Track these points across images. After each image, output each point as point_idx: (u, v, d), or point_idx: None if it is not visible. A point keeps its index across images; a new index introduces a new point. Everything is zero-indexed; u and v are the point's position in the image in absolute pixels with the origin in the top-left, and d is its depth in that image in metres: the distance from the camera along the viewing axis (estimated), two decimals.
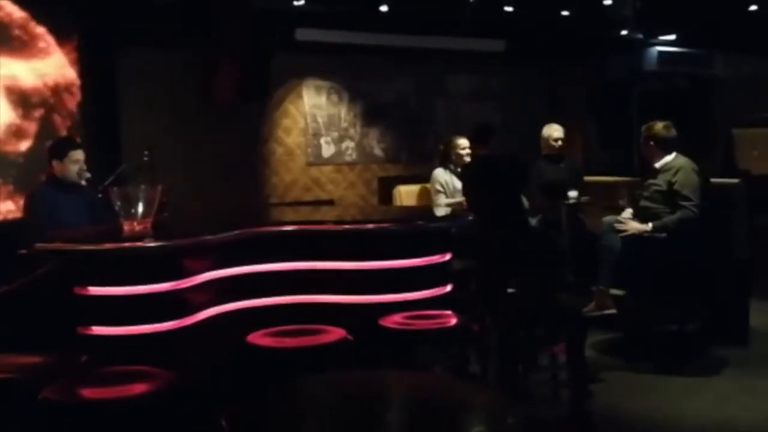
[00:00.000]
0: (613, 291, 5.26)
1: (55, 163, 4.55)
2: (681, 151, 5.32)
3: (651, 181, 5.29)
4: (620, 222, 5.25)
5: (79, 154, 4.55)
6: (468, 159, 6.27)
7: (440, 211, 6.03)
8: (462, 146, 6.34)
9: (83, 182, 4.62)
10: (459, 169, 6.24)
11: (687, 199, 5.07)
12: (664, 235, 5.08)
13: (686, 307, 5.13)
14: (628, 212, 5.34)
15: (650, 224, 5.14)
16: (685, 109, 8.52)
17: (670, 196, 5.15)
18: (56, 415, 2.71)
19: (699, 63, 9.01)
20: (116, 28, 6.46)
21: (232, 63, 6.96)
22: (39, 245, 3.44)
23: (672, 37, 8.66)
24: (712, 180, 5.49)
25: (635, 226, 5.17)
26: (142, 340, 3.33)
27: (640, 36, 8.61)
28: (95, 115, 6.42)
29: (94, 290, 3.35)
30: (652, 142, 5.30)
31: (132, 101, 6.80)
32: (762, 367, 4.99)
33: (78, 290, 3.35)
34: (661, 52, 8.71)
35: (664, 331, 5.23)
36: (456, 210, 5.94)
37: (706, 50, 8.96)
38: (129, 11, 6.41)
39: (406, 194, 7.08)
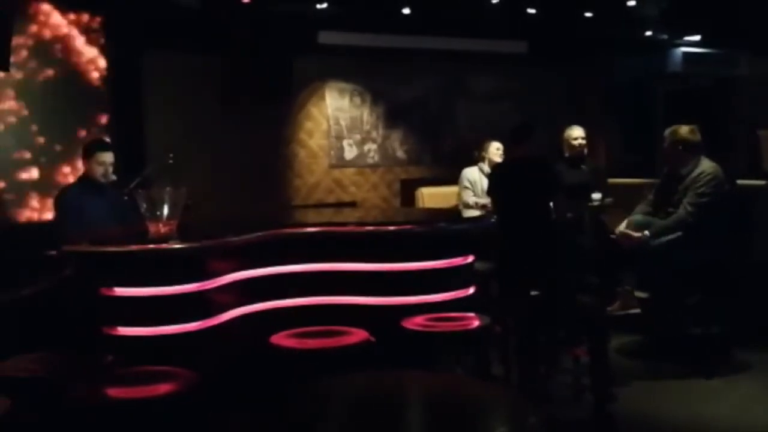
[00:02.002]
0: (637, 293, 5.22)
1: (84, 162, 4.64)
2: (706, 153, 5.26)
3: (677, 187, 5.22)
4: (620, 233, 5.18)
5: (105, 156, 4.62)
6: (499, 161, 6.29)
7: (467, 211, 6.04)
8: (495, 149, 6.40)
9: (109, 182, 4.68)
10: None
11: (691, 201, 5.01)
12: (677, 234, 5.01)
13: (710, 310, 5.08)
14: (623, 225, 5.27)
15: (646, 231, 5.07)
16: (708, 110, 8.44)
17: None
18: (82, 415, 2.74)
19: (723, 64, 8.91)
20: (142, 31, 6.53)
21: (255, 66, 7.00)
22: (66, 247, 3.49)
23: (696, 37, 8.57)
24: (739, 182, 5.43)
25: (634, 236, 5.09)
26: (167, 341, 3.37)
27: (665, 36, 8.53)
28: (121, 117, 6.49)
29: (120, 291, 3.39)
30: (678, 147, 5.22)
31: (156, 103, 6.86)
32: None
33: (104, 291, 3.40)
34: (685, 53, 8.62)
35: (688, 334, 5.18)
36: (482, 210, 5.95)
37: (730, 51, 8.86)
38: (154, 14, 6.47)
39: (429, 196, 7.09)
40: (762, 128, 9.11)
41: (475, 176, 6.41)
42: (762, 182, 5.77)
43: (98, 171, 4.59)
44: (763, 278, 5.51)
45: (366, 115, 8.08)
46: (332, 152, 7.94)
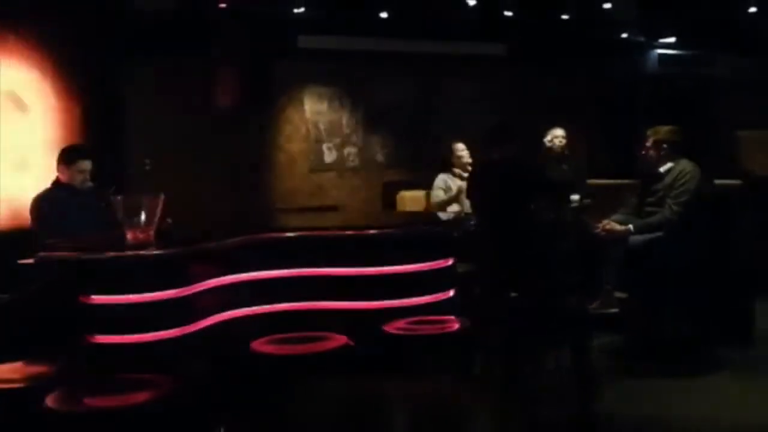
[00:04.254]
0: (618, 293, 5.26)
1: (61, 168, 4.59)
2: (685, 154, 5.32)
3: (656, 186, 5.28)
4: (604, 224, 5.25)
5: (86, 165, 4.58)
6: (468, 161, 6.37)
7: (442, 215, 6.08)
8: (459, 150, 6.46)
9: (86, 188, 4.64)
10: (464, 174, 6.33)
11: (675, 201, 5.07)
12: (661, 234, 5.07)
13: (690, 310, 5.12)
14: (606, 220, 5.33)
15: (631, 225, 5.15)
16: (686, 111, 8.51)
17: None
18: (61, 424, 2.71)
19: (700, 65, 9.01)
20: (120, 38, 6.49)
21: (235, 71, 6.99)
22: (43, 254, 3.45)
23: (672, 39, 8.66)
24: (716, 182, 5.49)
25: (618, 228, 5.18)
26: (146, 348, 3.33)
27: (641, 39, 8.61)
28: (99, 123, 6.44)
29: (98, 298, 3.36)
30: (659, 146, 5.28)
31: (135, 109, 6.82)
32: (766, 368, 4.98)
33: (82, 298, 3.36)
34: (661, 55, 8.70)
35: (668, 334, 5.22)
36: (452, 200, 6.03)
37: (706, 52, 8.95)
38: (132, 19, 6.43)
39: (410, 199, 7.09)
40: (741, 129, 9.22)
41: (448, 182, 6.48)
42: (740, 182, 5.83)
43: (78, 178, 4.55)
44: (742, 277, 5.56)
45: (345, 118, 8.08)
46: (312, 156, 7.92)
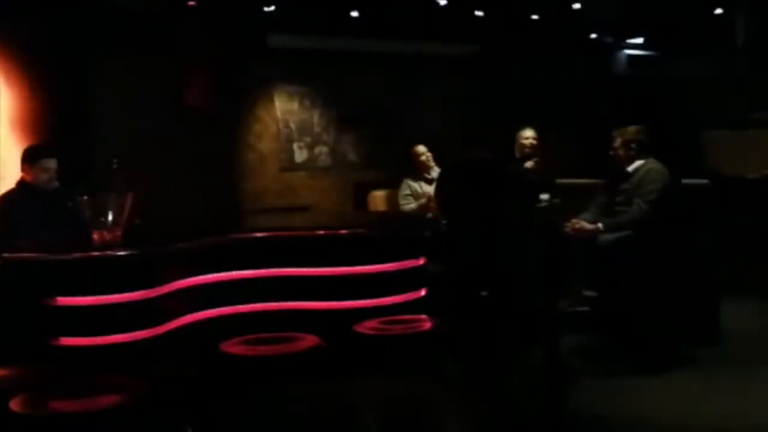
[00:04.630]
0: (587, 292, 5.30)
1: (25, 168, 4.51)
2: (653, 153, 5.38)
3: (623, 186, 5.33)
4: (573, 223, 5.30)
5: (51, 163, 4.51)
6: (431, 164, 6.43)
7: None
8: (420, 153, 6.51)
9: (51, 188, 4.57)
10: (426, 174, 6.38)
11: (643, 200, 5.12)
12: (629, 233, 5.12)
13: (658, 308, 5.18)
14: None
15: (600, 224, 5.20)
16: (653, 111, 8.62)
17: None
18: (26, 427, 2.66)
19: (666, 66, 9.13)
20: (87, 35, 6.40)
21: (204, 69, 6.92)
22: (7, 255, 3.39)
23: (640, 40, 8.76)
24: (683, 181, 5.56)
25: (587, 227, 5.23)
26: (114, 350, 3.30)
27: (610, 39, 8.70)
28: (65, 122, 6.35)
29: (64, 300, 3.31)
30: (626, 146, 5.35)
31: (103, 108, 6.73)
32: (732, 366, 5.05)
33: (47, 301, 3.31)
34: (630, 55, 8.81)
35: (637, 333, 5.27)
36: (423, 208, 6.05)
37: (673, 53, 9.07)
38: (100, 17, 6.34)
39: (381, 199, 7.09)
40: (705, 129, 9.36)
41: (414, 185, 6.51)
42: (706, 181, 5.91)
43: (42, 178, 4.48)
44: (708, 276, 5.64)
45: (316, 118, 8.05)
46: (282, 156, 7.88)
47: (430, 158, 6.50)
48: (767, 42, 8.33)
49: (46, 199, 4.46)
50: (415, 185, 6.52)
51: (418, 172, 6.53)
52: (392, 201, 6.83)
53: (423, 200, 6.34)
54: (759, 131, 8.50)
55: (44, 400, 2.73)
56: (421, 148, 6.56)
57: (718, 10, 8.07)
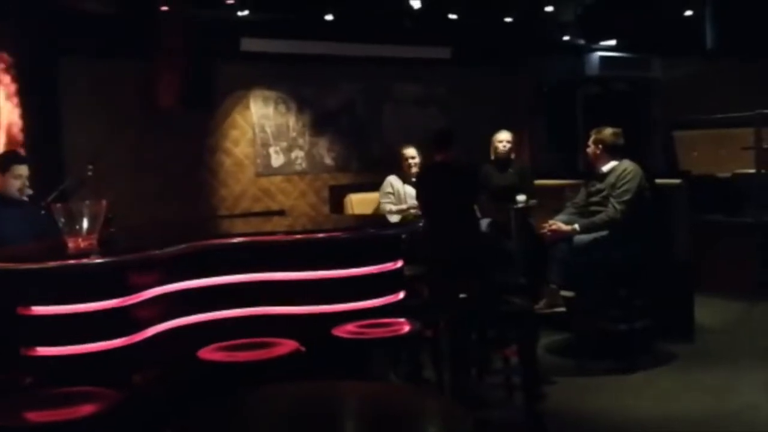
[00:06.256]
0: (563, 292, 5.34)
1: None
2: (627, 154, 5.44)
3: (598, 186, 5.38)
4: (549, 224, 5.34)
5: (22, 170, 4.45)
6: (415, 167, 6.42)
7: (390, 217, 6.10)
8: (408, 155, 6.50)
9: (25, 198, 4.52)
10: (413, 179, 6.37)
11: (618, 200, 5.18)
12: (605, 233, 5.17)
13: (634, 306, 5.23)
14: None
15: (576, 225, 5.25)
16: (625, 112, 8.71)
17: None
18: None
19: (638, 67, 9.23)
20: (56, 38, 6.32)
21: (175, 72, 6.87)
22: None
23: (612, 42, 8.85)
24: (656, 181, 5.63)
25: (563, 228, 5.27)
26: (90, 359, 3.25)
27: (582, 41, 8.77)
28: (36, 128, 6.27)
29: (38, 309, 3.26)
30: (601, 147, 5.41)
31: (74, 113, 6.66)
32: (707, 362, 5.12)
33: (21, 310, 3.26)
34: (602, 57, 8.89)
35: (613, 330, 5.33)
36: (406, 216, 6.01)
37: (644, 55, 9.17)
38: (69, 20, 6.28)
39: (358, 202, 7.08)
40: (676, 129, 9.47)
41: (397, 185, 6.50)
42: (678, 181, 5.98)
43: (14, 185, 4.42)
44: (682, 273, 5.71)
45: (292, 122, 8.03)
46: (258, 160, 7.85)
47: (416, 165, 6.45)
48: (736, 43, 8.45)
49: (19, 206, 4.41)
50: (398, 185, 6.50)
51: (403, 173, 6.52)
52: (369, 204, 6.83)
53: (404, 206, 6.31)
54: (729, 131, 8.63)
55: (18, 410, 2.69)
56: (410, 152, 6.53)
57: (688, 12, 8.18)
